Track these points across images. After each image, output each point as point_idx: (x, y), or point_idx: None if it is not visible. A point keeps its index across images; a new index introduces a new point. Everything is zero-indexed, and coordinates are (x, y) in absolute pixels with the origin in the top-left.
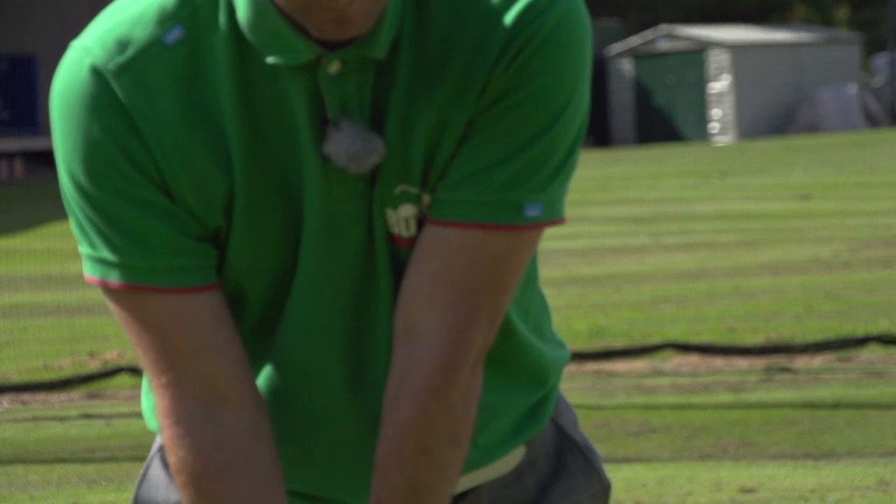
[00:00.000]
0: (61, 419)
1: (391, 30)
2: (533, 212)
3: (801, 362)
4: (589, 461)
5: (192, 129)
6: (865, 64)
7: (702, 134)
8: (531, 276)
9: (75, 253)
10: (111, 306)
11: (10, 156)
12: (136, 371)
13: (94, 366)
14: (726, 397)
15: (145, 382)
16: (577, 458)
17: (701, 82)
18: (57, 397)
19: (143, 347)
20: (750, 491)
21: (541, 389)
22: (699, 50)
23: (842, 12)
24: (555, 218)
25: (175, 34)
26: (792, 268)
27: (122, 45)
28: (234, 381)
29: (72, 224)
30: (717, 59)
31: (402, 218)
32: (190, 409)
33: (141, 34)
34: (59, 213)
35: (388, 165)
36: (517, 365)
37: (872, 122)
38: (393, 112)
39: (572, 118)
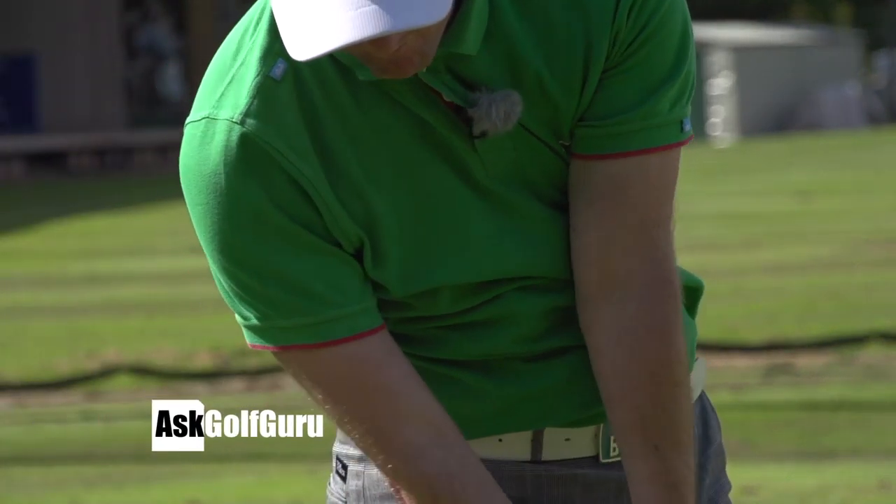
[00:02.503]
0: (60, 420)
1: (478, 26)
2: (687, 126)
3: (802, 362)
4: (720, 426)
5: (324, 154)
6: (868, 63)
7: (703, 133)
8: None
9: (74, 253)
10: (291, 370)
11: (8, 156)
12: (134, 371)
13: (92, 366)
14: (727, 397)
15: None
16: (716, 423)
17: (701, 82)
18: (56, 398)
19: (335, 399)
20: (751, 491)
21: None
22: (700, 50)
23: (844, 10)
24: (691, 132)
25: (280, 67)
26: (793, 268)
27: (237, 96)
28: (432, 406)
29: (228, 299)
30: (718, 59)
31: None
32: (411, 441)
33: (250, 77)
34: (57, 213)
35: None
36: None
37: (874, 121)
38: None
39: (690, 40)
